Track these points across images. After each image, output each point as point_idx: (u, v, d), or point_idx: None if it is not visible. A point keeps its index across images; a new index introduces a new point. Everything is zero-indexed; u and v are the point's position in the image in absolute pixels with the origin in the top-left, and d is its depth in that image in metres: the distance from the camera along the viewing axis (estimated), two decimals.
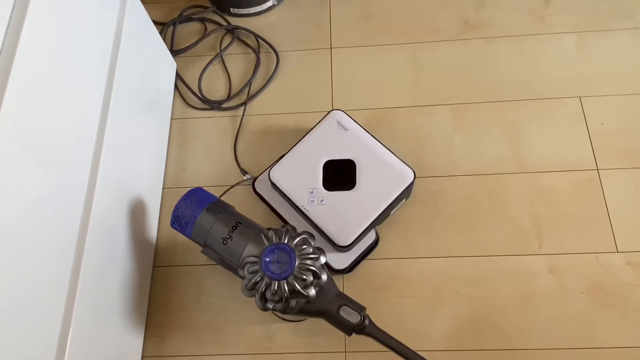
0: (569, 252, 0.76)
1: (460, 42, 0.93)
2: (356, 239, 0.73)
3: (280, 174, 0.76)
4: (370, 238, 0.77)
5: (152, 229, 0.79)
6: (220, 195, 0.82)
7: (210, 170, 0.86)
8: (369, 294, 0.76)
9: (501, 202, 0.80)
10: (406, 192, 0.76)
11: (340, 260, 0.76)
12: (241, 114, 0.89)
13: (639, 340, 0.71)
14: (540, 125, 0.85)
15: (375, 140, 0.77)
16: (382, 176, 0.75)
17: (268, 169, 0.80)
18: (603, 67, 0.88)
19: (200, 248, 0.68)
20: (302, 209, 0.74)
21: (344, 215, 0.73)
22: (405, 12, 0.96)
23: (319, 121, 0.79)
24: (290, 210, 0.78)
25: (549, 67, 0.89)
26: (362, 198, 0.74)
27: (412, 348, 0.72)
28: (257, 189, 0.81)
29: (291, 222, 0.77)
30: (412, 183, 0.75)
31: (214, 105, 0.90)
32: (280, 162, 0.77)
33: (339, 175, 0.76)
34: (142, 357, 0.74)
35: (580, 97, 0.86)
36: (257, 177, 0.82)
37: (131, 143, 0.72)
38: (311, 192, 0.75)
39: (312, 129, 0.79)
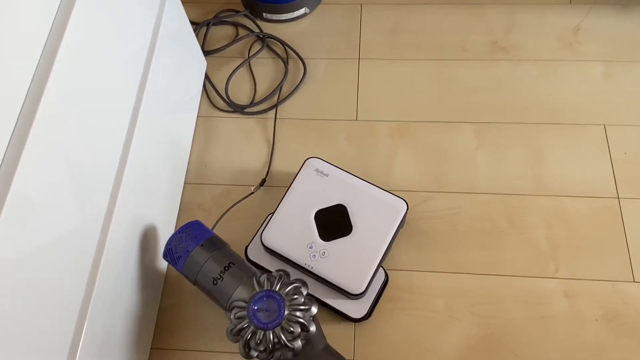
0: (585, 278, 0.76)
1: (488, 62, 0.94)
2: (369, 284, 0.71)
3: (273, 237, 0.74)
4: (380, 277, 0.75)
5: (172, 219, 0.80)
6: (223, 215, 0.81)
7: (230, 169, 0.87)
8: (381, 304, 0.75)
9: (519, 223, 0.80)
10: (402, 223, 0.75)
11: (357, 309, 0.73)
12: (271, 117, 0.90)
13: None
14: (562, 149, 0.85)
15: (359, 179, 0.76)
16: (376, 213, 0.74)
17: (258, 234, 0.78)
18: (629, 98, 0.88)
19: None
20: (306, 266, 0.72)
21: (350, 263, 0.71)
22: (435, 30, 0.97)
23: (297, 173, 0.77)
24: (292, 269, 0.75)
25: (574, 93, 0.90)
26: (362, 240, 0.73)
27: None
28: (250, 257, 0.77)
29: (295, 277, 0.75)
30: (406, 213, 0.74)
31: (237, 109, 0.91)
32: (269, 224, 0.74)
33: (333, 222, 0.74)
34: (151, 348, 0.74)
35: (604, 125, 0.86)
36: (247, 245, 0.78)
37: (160, 136, 0.73)
38: (310, 247, 0.73)
39: (291, 183, 0.77)
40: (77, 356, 0.54)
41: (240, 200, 0.81)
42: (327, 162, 0.78)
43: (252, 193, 0.83)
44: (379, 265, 0.72)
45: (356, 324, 0.74)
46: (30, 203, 0.45)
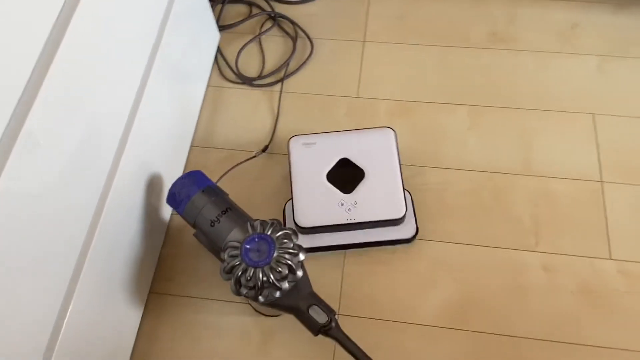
0: (564, 253, 0.79)
1: (487, 50, 0.98)
2: (406, 204, 0.78)
3: (307, 217, 0.77)
4: (408, 197, 0.82)
5: (177, 176, 0.85)
6: (226, 172, 0.86)
7: (235, 135, 0.92)
8: (368, 267, 0.80)
9: (505, 199, 0.84)
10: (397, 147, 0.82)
11: (406, 230, 0.80)
12: (277, 91, 0.96)
13: (621, 343, 0.73)
14: (552, 134, 0.89)
15: (341, 132, 0.84)
16: (375, 149, 0.81)
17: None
18: (620, 91, 0.92)
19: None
20: (349, 221, 0.77)
21: (381, 197, 0.78)
22: (439, 19, 1.02)
23: (288, 155, 0.82)
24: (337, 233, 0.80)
25: (568, 83, 0.94)
26: (379, 175, 0.79)
27: (400, 320, 0.76)
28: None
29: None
30: (396, 136, 0.81)
31: (246, 80, 0.97)
32: (296, 209, 0.78)
33: (346, 175, 0.80)
34: (150, 292, 0.79)
35: (593, 114, 0.90)
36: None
37: (170, 97, 0.78)
38: (342, 205, 0.78)
39: (289, 165, 0.81)
40: (76, 291, 0.57)
41: (242, 162, 0.86)
42: (306, 134, 0.84)
43: (254, 157, 0.88)
44: (404, 187, 0.79)
45: (340, 303, 0.79)
46: (40, 141, 0.49)
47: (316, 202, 0.78)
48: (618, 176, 0.85)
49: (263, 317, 0.78)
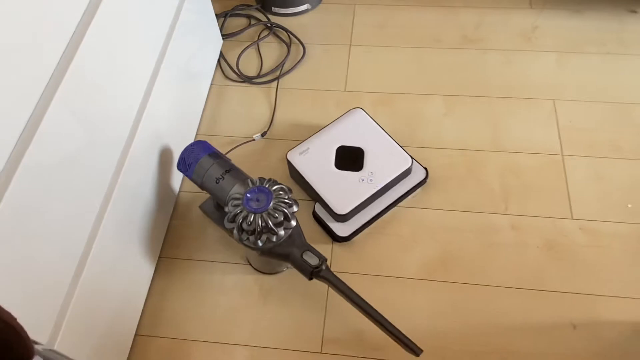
0: (530, 215, 0.89)
1: (458, 50, 1.11)
2: (410, 156, 0.90)
3: (343, 204, 0.86)
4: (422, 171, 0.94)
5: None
6: (232, 149, 0.98)
7: (237, 125, 1.03)
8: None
9: (477, 172, 0.94)
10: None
11: (418, 175, 0.92)
12: (273, 87, 1.08)
13: (581, 289, 0.82)
14: (517, 117, 1.00)
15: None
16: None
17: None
18: (576, 80, 1.05)
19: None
20: (376, 189, 0.86)
21: (387, 160, 0.89)
22: (415, 25, 1.16)
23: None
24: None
25: (531, 75, 1.06)
26: (375, 148, 0.91)
27: (387, 274, 0.85)
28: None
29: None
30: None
31: (246, 79, 1.09)
32: (329, 202, 0.86)
33: (350, 162, 0.90)
34: (159, 257, 0.88)
35: (554, 100, 1.02)
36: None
37: (177, 92, 0.89)
38: (362, 181, 0.87)
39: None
40: (94, 243, 0.66)
41: (243, 143, 0.98)
42: (297, 144, 0.93)
43: (254, 140, 0.99)
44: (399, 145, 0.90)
45: (336, 243, 0.88)
46: (68, 116, 0.59)
47: (342, 190, 0.87)
48: (576, 150, 0.96)
49: (262, 275, 0.86)
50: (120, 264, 0.74)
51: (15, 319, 0.45)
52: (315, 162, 0.90)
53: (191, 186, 0.95)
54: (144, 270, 0.83)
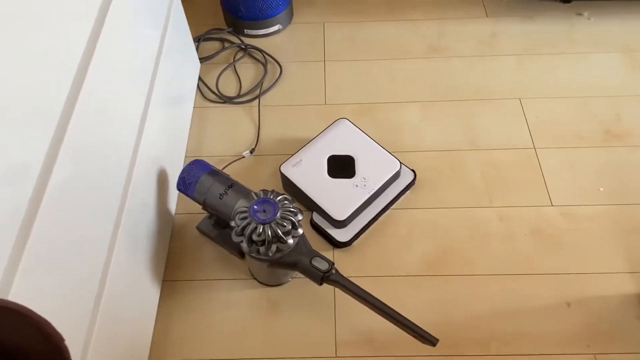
0: (514, 206, 0.95)
1: (426, 59, 1.18)
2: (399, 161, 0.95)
3: (340, 210, 0.89)
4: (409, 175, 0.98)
5: (175, 189, 0.95)
6: (224, 167, 1.00)
7: (223, 144, 1.04)
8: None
9: (459, 170, 1.00)
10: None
11: (407, 176, 0.97)
12: (254, 106, 1.10)
13: (570, 269, 0.88)
14: (489, 117, 1.07)
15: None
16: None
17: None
18: (536, 79, 1.13)
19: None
20: (370, 194, 0.90)
21: (378, 165, 0.94)
22: (383, 39, 1.22)
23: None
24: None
25: (495, 78, 1.14)
26: (364, 154, 0.95)
27: (388, 274, 0.88)
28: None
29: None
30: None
31: (227, 99, 1.11)
32: (327, 209, 0.89)
33: (342, 169, 0.93)
34: (163, 280, 0.88)
35: (520, 99, 1.10)
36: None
37: (165, 121, 0.89)
38: (357, 186, 0.91)
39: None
40: (107, 281, 0.66)
41: (234, 161, 0.99)
42: (289, 157, 0.95)
43: (243, 157, 1.01)
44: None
45: (336, 249, 0.91)
46: (80, 145, 0.61)
47: (338, 197, 0.90)
48: (547, 142, 1.03)
49: (267, 288, 0.87)
50: (131, 290, 0.74)
51: (63, 340, 0.45)
52: (308, 172, 0.92)
53: (185, 208, 0.96)
54: (151, 294, 0.82)
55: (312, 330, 0.83)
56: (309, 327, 0.83)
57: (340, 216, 0.88)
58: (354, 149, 0.95)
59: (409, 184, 0.96)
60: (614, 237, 0.91)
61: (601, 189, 0.97)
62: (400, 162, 0.95)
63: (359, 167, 0.93)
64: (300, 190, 0.91)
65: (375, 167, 0.93)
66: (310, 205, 0.92)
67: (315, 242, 0.91)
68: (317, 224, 0.91)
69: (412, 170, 0.97)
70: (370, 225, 0.92)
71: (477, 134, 1.05)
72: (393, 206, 0.95)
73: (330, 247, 0.91)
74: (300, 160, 0.93)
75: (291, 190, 0.94)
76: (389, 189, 0.94)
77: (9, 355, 0.44)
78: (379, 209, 0.93)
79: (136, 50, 0.78)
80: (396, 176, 0.94)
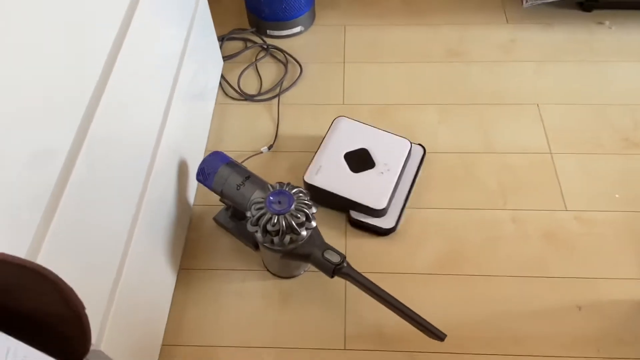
0: (528, 209, 0.95)
1: (446, 63, 1.19)
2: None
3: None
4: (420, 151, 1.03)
5: (194, 181, 0.98)
6: (242, 162, 1.02)
7: (242, 140, 1.07)
8: (367, 237, 0.93)
9: (474, 173, 1.01)
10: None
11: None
12: (274, 104, 1.13)
13: (583, 273, 0.88)
14: (506, 121, 1.08)
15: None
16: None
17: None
18: (555, 86, 1.13)
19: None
20: (400, 175, 0.95)
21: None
22: (403, 43, 1.23)
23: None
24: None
25: (513, 83, 1.14)
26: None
27: (400, 271, 0.89)
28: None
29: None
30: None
31: (247, 97, 1.14)
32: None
33: (360, 162, 0.96)
34: (180, 268, 0.90)
35: (537, 104, 1.10)
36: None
37: (187, 115, 0.93)
38: (382, 173, 0.93)
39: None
40: (126, 263, 0.68)
41: (252, 156, 1.02)
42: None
43: (261, 152, 1.03)
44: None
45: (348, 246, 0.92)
46: (105, 134, 0.64)
47: (371, 189, 0.92)
48: (563, 147, 1.03)
49: (280, 280, 0.89)
50: (147, 275, 0.76)
51: (84, 308, 0.47)
52: (333, 175, 0.94)
53: (203, 199, 0.98)
54: (168, 281, 0.85)
55: (322, 323, 0.84)
56: (319, 319, 0.85)
57: (380, 205, 0.90)
58: (364, 141, 0.98)
59: (422, 158, 1.00)
60: (627, 244, 0.91)
61: (617, 196, 0.96)
62: (410, 140, 0.98)
63: (375, 156, 0.95)
64: (332, 194, 0.92)
65: (390, 151, 0.96)
66: (344, 204, 0.93)
67: (346, 240, 0.93)
68: (357, 220, 0.93)
69: (421, 145, 1.02)
70: (405, 204, 0.95)
71: (493, 137, 1.06)
72: (407, 205, 0.96)
73: (342, 242, 0.93)
74: (320, 166, 0.95)
75: (321, 197, 0.94)
76: (407, 168, 0.98)
77: (31, 318, 0.46)
78: (408, 188, 0.96)
79: (162, 47, 0.81)
80: (410, 153, 0.98)
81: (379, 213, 0.91)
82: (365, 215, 0.92)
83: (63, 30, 0.54)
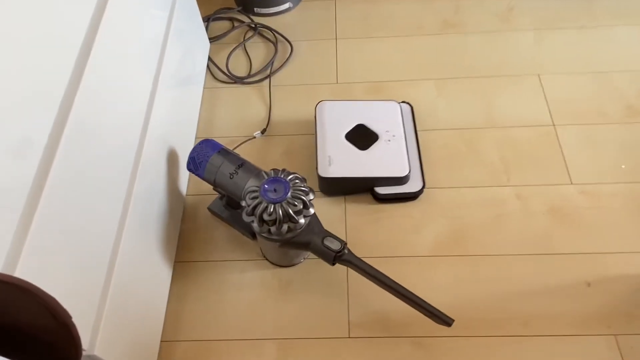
0: (532, 184, 0.92)
1: (441, 35, 1.14)
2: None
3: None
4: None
5: (186, 170, 0.94)
6: (235, 148, 0.98)
7: (233, 126, 1.03)
8: (370, 216, 0.90)
9: (476, 149, 0.97)
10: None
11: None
12: (265, 85, 1.08)
13: (590, 249, 0.85)
14: (507, 94, 1.04)
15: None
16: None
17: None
18: (556, 55, 1.09)
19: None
20: (408, 140, 0.95)
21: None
22: (396, 16, 1.19)
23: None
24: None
25: (513, 54, 1.10)
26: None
27: (403, 254, 0.86)
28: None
29: None
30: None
31: (237, 79, 1.09)
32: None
33: (363, 139, 0.93)
34: (175, 261, 0.87)
35: (539, 75, 1.06)
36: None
37: (173, 101, 0.88)
38: (389, 141, 0.92)
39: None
40: (118, 256, 0.65)
41: (245, 141, 0.98)
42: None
43: (254, 137, 0.99)
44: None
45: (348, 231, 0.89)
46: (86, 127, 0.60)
47: (386, 160, 0.91)
48: (566, 119, 1.00)
49: (279, 269, 0.86)
50: (141, 271, 0.73)
51: (70, 318, 0.44)
52: (345, 160, 0.91)
53: (196, 189, 0.95)
54: (163, 275, 0.82)
55: (324, 311, 0.82)
56: (321, 307, 0.82)
57: (403, 172, 0.89)
58: (356, 118, 0.95)
59: (412, 114, 1.00)
60: (635, 216, 0.88)
61: (623, 167, 0.93)
62: (395, 101, 0.98)
63: (373, 127, 0.94)
64: (352, 179, 0.90)
65: (384, 118, 0.95)
66: (367, 184, 0.91)
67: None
68: (385, 194, 0.91)
69: (406, 103, 1.02)
70: (422, 162, 0.94)
71: (494, 111, 1.02)
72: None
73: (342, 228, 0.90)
74: (329, 156, 0.91)
75: (341, 186, 0.92)
76: (405, 127, 0.97)
77: (16, 332, 0.43)
78: (415, 145, 0.96)
79: (143, 29, 0.76)
80: (401, 113, 0.96)
81: (404, 180, 0.90)
82: (392, 187, 0.91)
83: (34, 11, 0.50)
